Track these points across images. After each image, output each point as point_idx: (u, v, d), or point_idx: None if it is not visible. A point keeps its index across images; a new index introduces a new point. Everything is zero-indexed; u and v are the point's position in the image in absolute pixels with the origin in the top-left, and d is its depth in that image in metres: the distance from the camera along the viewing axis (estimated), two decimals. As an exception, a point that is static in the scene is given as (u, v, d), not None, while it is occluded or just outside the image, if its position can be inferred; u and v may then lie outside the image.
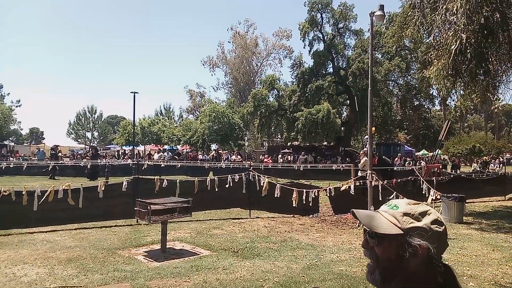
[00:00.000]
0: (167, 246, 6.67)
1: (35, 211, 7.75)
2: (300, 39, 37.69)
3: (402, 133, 46.36)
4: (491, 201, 13.90)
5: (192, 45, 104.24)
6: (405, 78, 37.05)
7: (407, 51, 33.60)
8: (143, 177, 9.95)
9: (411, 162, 27.62)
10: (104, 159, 26.75)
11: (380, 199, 9.34)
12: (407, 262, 1.02)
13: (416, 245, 1.01)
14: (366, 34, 36.21)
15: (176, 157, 30.76)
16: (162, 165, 22.54)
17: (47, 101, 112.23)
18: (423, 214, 1.06)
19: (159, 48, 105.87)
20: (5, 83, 61.02)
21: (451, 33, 8.08)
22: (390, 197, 8.86)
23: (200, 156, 32.22)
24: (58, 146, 27.91)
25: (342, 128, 38.21)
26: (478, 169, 25.41)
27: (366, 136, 14.38)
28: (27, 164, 21.75)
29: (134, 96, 30.92)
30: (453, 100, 39.05)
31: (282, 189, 9.85)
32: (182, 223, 8.76)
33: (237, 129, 39.64)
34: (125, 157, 34.05)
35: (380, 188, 9.84)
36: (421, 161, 26.93)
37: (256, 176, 10.24)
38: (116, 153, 42.15)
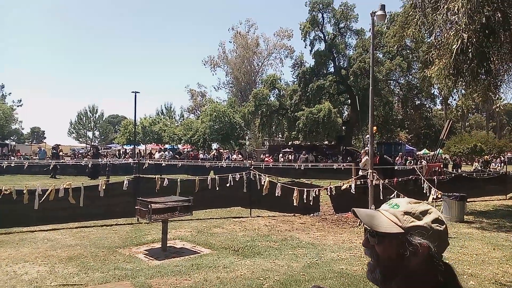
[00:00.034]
0: (168, 245, 6.68)
1: (36, 210, 7.77)
2: (301, 39, 37.64)
3: (403, 132, 46.30)
4: (492, 200, 13.90)
5: (193, 45, 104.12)
6: (407, 78, 36.96)
7: (408, 51, 33.50)
8: (144, 176, 9.97)
9: (412, 161, 27.58)
10: (105, 158, 26.78)
11: (381, 198, 9.34)
12: (407, 261, 1.02)
13: (416, 244, 1.01)
14: (367, 34, 36.13)
15: (177, 156, 30.76)
16: (163, 164, 22.59)
17: (48, 102, 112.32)
18: (424, 213, 1.06)
19: (159, 48, 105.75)
20: (5, 83, 61.07)
21: (453, 32, 8.07)
22: (391, 196, 8.86)
23: (201, 155, 32.19)
24: (59, 145, 27.93)
25: (343, 127, 38.15)
26: (479, 168, 25.39)
27: (368, 136, 14.37)
28: (28, 163, 21.79)
29: (135, 95, 30.95)
30: (455, 100, 39.01)
31: (283, 188, 9.85)
32: (183, 222, 8.77)
33: (238, 129, 39.62)
34: (126, 156, 34.05)
35: (381, 187, 9.84)
36: (422, 160, 26.89)
37: (257, 175, 10.25)
38: (117, 152, 42.17)
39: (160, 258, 6.11)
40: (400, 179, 11.47)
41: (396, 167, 18.02)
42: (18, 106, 57.97)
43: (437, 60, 8.81)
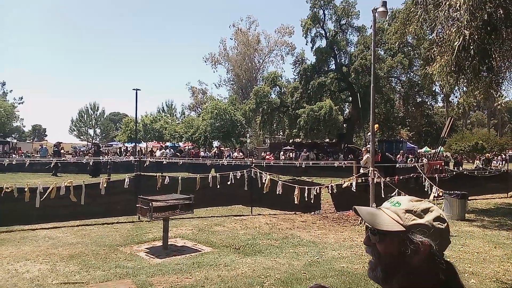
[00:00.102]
0: (169, 243, 6.69)
1: (37, 208, 7.78)
2: (302, 36, 37.55)
3: (405, 130, 46.22)
4: (494, 198, 13.87)
5: (194, 43, 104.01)
6: (408, 75, 36.85)
7: (410, 48, 33.40)
8: (145, 174, 9.99)
9: (414, 159, 27.54)
10: (106, 156, 26.80)
11: (382, 196, 9.32)
12: (409, 259, 1.01)
13: (418, 242, 1.00)
14: (369, 30, 36.03)
15: (178, 154, 30.74)
16: (164, 162, 22.58)
17: (48, 101, 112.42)
18: (426, 211, 1.05)
19: (160, 48, 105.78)
20: (5, 83, 61.03)
21: (454, 29, 8.03)
22: (392, 194, 8.84)
23: (202, 153, 32.20)
24: (61, 143, 28.01)
25: (344, 125, 38.09)
26: (481, 166, 25.33)
27: (369, 133, 14.35)
28: (30, 161, 21.80)
29: (136, 93, 30.88)
30: (456, 97, 38.66)
31: (284, 186, 9.84)
32: (184, 220, 8.78)
33: (239, 126, 39.60)
34: (127, 154, 34.07)
35: (382, 185, 9.82)
36: (424, 158, 26.86)
37: (258, 173, 10.24)
38: (118, 150, 42.21)
39: (161, 256, 6.12)
40: (401, 177, 11.45)
41: (397, 165, 17.98)
42: (19, 103, 58.15)
43: (438, 57, 8.78)
